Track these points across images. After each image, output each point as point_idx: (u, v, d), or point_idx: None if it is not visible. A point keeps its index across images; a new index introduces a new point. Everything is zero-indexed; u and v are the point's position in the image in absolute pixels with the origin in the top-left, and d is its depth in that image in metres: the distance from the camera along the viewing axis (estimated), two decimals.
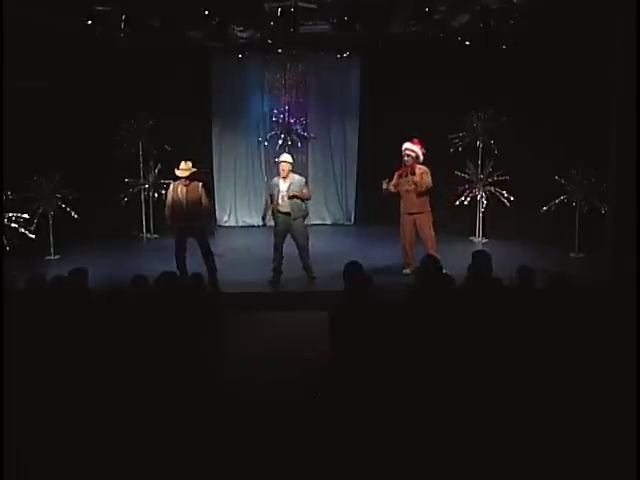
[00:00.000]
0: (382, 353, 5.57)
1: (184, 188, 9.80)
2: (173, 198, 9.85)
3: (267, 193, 10.56)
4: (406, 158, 10.35)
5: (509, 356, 5.39)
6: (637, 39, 8.90)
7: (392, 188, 10.43)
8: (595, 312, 5.86)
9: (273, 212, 10.17)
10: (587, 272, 9.80)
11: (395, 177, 10.48)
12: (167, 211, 9.98)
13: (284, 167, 10.00)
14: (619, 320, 5.61)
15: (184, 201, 9.77)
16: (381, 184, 10.45)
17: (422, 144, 10.43)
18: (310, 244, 10.16)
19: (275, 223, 10.17)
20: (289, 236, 10.09)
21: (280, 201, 9.96)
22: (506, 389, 5.21)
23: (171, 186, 10.02)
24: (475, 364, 5.37)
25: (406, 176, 10.36)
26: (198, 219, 9.90)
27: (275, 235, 10.12)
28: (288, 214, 9.94)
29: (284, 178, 9.99)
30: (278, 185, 10.01)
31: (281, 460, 4.98)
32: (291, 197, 9.92)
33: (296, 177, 10.14)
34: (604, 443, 4.78)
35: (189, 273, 9.56)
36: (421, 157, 10.39)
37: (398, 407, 5.20)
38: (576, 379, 5.19)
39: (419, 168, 10.34)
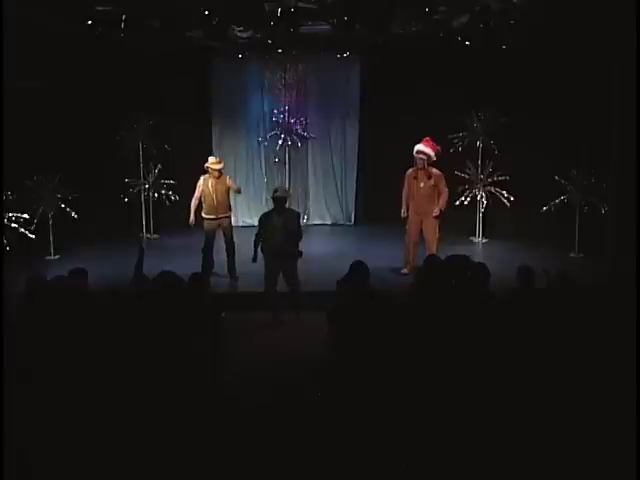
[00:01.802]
0: (381, 352, 5.58)
1: (214, 181, 10.30)
2: (203, 191, 10.33)
3: (257, 229, 9.31)
4: (418, 161, 10.35)
5: (509, 356, 5.39)
6: (637, 39, 8.90)
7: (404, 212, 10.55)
8: (595, 312, 5.86)
9: (262, 249, 9.17)
10: (587, 272, 9.79)
11: (406, 178, 10.48)
12: (194, 202, 10.43)
13: (280, 203, 9.10)
14: (619, 320, 5.62)
15: (214, 194, 10.27)
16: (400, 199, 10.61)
17: (434, 142, 10.43)
18: (308, 250, 10.07)
19: (267, 262, 9.16)
20: None
21: (273, 239, 8.96)
22: (505, 389, 5.21)
23: (201, 179, 10.46)
24: (475, 364, 5.37)
25: (419, 178, 10.36)
26: (227, 211, 10.48)
27: (267, 279, 9.18)
28: (282, 252, 8.96)
29: (279, 213, 9.06)
30: (272, 222, 8.99)
31: (280, 459, 4.98)
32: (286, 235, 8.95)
33: (289, 211, 9.36)
34: (604, 442, 4.78)
35: (214, 265, 10.24)
36: (433, 157, 10.39)
37: (397, 406, 5.20)
38: (576, 378, 5.20)
39: (435, 173, 10.36)
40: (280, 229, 8.92)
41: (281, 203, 9.12)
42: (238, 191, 10.95)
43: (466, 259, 6.56)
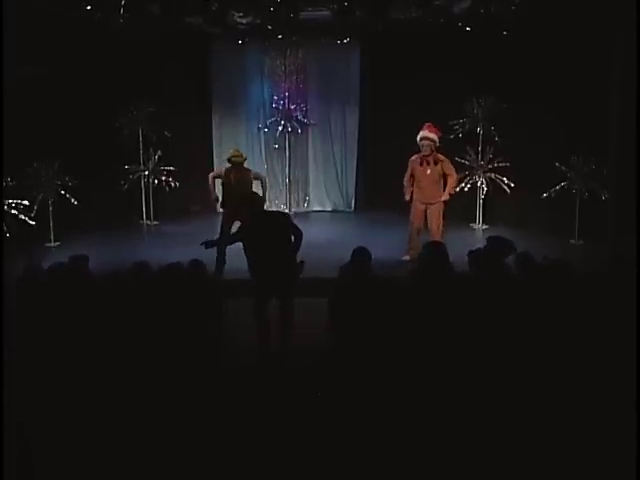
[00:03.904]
0: (383, 339, 5.58)
1: (235, 175, 10.06)
2: (224, 184, 10.12)
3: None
4: (425, 147, 10.24)
5: (508, 343, 5.40)
6: (638, 26, 8.88)
7: (408, 196, 10.41)
8: (595, 299, 5.87)
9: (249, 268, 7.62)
10: (587, 259, 9.79)
11: (410, 165, 10.40)
12: (216, 194, 10.26)
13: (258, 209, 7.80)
14: (619, 307, 5.62)
15: (235, 187, 10.00)
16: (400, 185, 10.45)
17: (436, 128, 10.37)
18: (308, 237, 9.96)
19: (257, 286, 7.51)
20: None
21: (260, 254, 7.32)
22: (505, 378, 5.22)
23: (223, 172, 10.27)
24: (474, 350, 5.38)
25: (425, 165, 10.29)
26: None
27: (256, 308, 7.51)
28: (276, 270, 7.31)
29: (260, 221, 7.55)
30: (255, 233, 7.37)
31: (283, 447, 5.00)
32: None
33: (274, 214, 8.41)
34: (603, 433, 4.79)
35: (226, 257, 9.76)
36: (438, 142, 10.33)
37: (398, 393, 5.22)
38: (575, 366, 5.20)
39: (437, 158, 10.25)
40: (267, 238, 7.14)
41: (259, 207, 7.69)
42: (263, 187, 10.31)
43: (509, 243, 6.52)
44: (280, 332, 7.30)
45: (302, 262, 7.31)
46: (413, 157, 10.40)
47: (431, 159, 10.23)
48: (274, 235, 7.15)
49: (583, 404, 4.95)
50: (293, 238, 7.27)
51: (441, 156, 10.29)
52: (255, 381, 6.25)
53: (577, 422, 4.88)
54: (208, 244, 7.39)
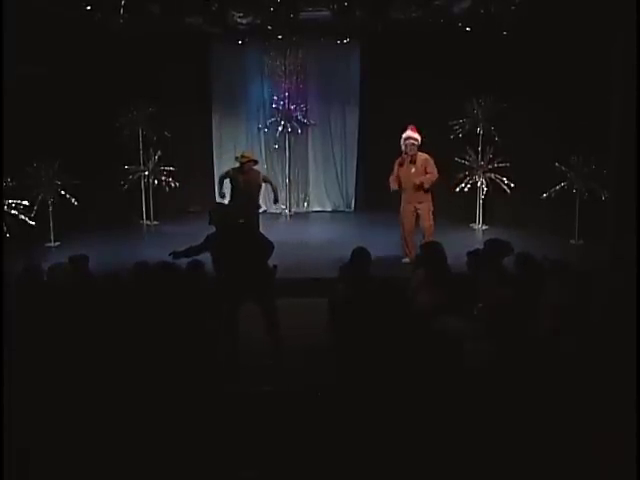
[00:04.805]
0: (383, 339, 5.59)
1: (242, 175, 10.20)
2: (233, 185, 10.27)
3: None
4: (409, 147, 10.27)
5: (507, 342, 5.40)
6: (638, 24, 8.87)
7: (397, 187, 10.37)
8: (594, 299, 5.87)
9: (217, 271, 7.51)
10: (587, 259, 9.78)
11: (396, 166, 10.42)
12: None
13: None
14: (619, 307, 5.62)
15: (243, 187, 10.14)
16: (389, 185, 10.39)
17: (418, 130, 10.40)
18: (308, 237, 10.01)
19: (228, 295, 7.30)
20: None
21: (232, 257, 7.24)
22: (504, 377, 5.22)
23: (230, 172, 10.45)
24: (474, 350, 5.38)
25: (409, 164, 10.30)
26: (254, 204, 10.34)
27: (226, 319, 7.32)
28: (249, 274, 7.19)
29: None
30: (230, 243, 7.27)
31: (282, 447, 5.00)
32: None
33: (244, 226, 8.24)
34: (603, 433, 4.78)
35: None
36: (420, 143, 10.35)
37: (396, 393, 5.22)
38: (575, 366, 5.20)
39: (421, 156, 10.29)
40: (237, 248, 7.01)
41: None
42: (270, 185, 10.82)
43: (507, 245, 6.53)
44: (270, 335, 7.15)
45: (275, 266, 7.21)
46: (398, 159, 10.43)
47: (415, 158, 10.26)
48: (243, 246, 6.99)
49: (583, 404, 4.95)
50: (263, 249, 7.10)
51: (424, 154, 10.30)
52: (254, 382, 6.25)
53: (577, 422, 4.87)
54: (176, 255, 7.13)
